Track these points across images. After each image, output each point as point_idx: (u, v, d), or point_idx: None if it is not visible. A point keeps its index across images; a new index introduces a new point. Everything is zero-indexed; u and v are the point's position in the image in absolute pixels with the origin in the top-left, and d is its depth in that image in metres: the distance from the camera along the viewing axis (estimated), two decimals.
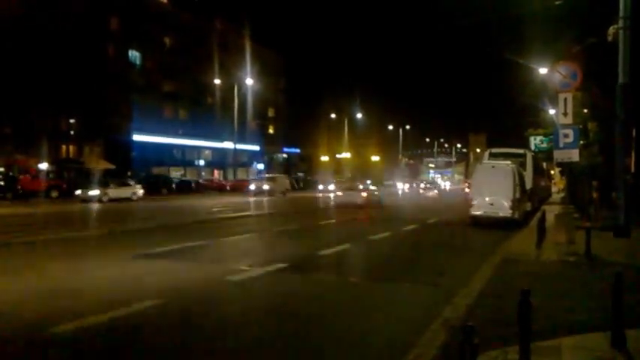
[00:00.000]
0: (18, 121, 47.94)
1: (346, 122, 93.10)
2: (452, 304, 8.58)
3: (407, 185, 77.70)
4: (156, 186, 49.44)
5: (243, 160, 79.57)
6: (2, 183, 38.19)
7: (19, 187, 38.22)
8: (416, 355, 6.20)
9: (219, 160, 77.04)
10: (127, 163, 57.13)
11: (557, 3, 20.58)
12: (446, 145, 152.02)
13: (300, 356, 6.52)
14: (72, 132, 58.43)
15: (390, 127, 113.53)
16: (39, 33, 47.37)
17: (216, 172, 78.38)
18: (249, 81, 66.91)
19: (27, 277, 10.95)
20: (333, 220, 25.81)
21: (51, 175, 43.67)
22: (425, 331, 7.10)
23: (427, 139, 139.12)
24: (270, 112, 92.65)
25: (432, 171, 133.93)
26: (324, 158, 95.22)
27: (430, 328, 7.24)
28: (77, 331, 7.07)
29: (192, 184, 58.54)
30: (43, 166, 46.34)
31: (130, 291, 9.51)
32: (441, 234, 20.87)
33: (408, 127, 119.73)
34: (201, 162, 75.58)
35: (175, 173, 67.88)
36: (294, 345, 6.86)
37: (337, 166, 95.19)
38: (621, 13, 15.39)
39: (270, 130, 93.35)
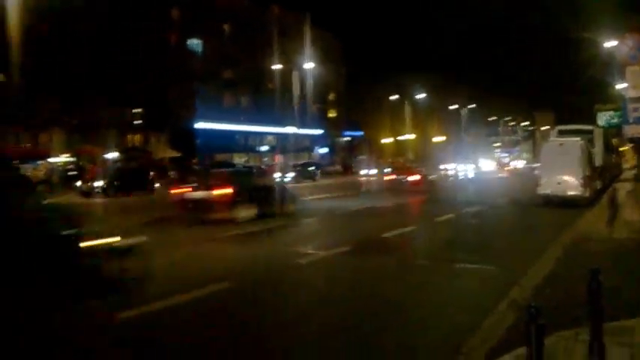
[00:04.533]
0: (84, 113, 48.86)
1: (407, 103, 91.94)
2: (519, 285, 8.45)
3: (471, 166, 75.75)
4: None
5: (305, 145, 79.76)
6: (75, 172, 39.08)
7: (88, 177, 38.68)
8: (483, 336, 6.15)
9: (282, 145, 77.55)
10: (191, 151, 58.25)
11: None
12: (511, 124, 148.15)
13: (367, 338, 6.56)
14: (138, 122, 59.45)
15: (456, 106, 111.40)
16: (101, 26, 48.15)
17: (276, 157, 78.88)
18: (308, 65, 66.59)
19: None
20: None
21: (118, 164, 44.47)
22: (492, 313, 7.03)
23: (492, 118, 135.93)
24: (331, 96, 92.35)
25: (498, 150, 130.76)
26: (387, 140, 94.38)
27: (497, 309, 7.16)
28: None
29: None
30: (111, 155, 47.27)
31: (208, 272, 10.06)
32: (508, 214, 20.47)
33: (471, 106, 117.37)
34: (264, 147, 76.15)
35: (239, 159, 68.69)
36: (359, 331, 6.91)
37: (399, 149, 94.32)
38: None
39: (332, 114, 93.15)
